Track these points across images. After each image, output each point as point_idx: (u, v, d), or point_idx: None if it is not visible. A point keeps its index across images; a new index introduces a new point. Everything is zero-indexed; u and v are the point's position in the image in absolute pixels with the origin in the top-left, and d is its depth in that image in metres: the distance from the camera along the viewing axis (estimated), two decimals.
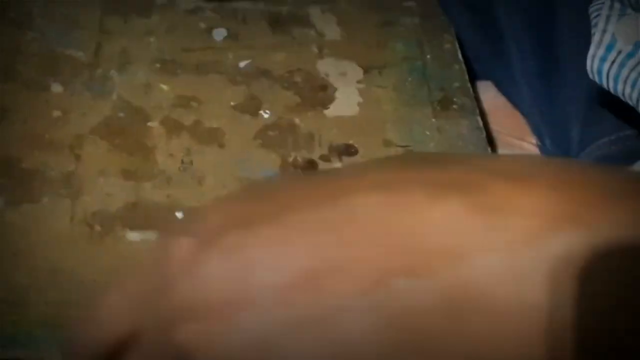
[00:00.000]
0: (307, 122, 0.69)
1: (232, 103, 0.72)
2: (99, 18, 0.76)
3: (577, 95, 0.68)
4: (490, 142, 0.73)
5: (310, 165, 0.65)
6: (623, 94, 0.54)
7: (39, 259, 0.60)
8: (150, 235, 0.62)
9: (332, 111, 0.71)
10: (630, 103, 0.54)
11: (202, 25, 0.77)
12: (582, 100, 0.68)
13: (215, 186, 0.66)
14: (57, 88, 0.71)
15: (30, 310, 0.57)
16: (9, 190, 0.63)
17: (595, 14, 0.56)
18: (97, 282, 0.59)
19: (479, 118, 0.71)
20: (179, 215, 0.63)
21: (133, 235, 0.62)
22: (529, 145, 0.77)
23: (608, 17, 0.55)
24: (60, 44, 0.74)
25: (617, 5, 0.54)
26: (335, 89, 0.73)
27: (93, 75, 0.72)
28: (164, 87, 0.72)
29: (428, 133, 0.69)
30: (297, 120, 0.70)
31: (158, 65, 0.73)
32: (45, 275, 0.59)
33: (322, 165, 0.66)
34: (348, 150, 0.67)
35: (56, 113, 0.69)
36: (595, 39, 0.55)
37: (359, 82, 0.74)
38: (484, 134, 0.69)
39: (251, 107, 0.71)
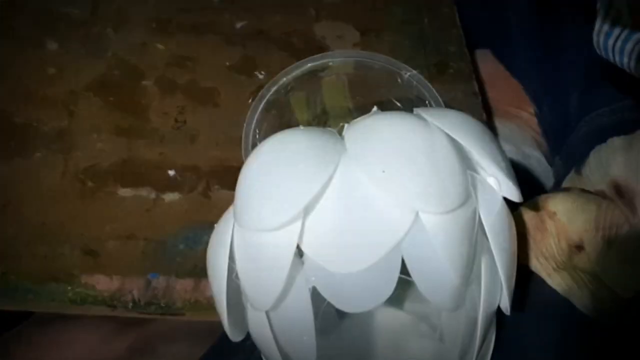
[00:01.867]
0: (302, 84, 0.67)
1: (227, 63, 0.70)
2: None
3: (577, 61, 0.67)
4: (487, 109, 0.72)
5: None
6: (629, 67, 0.54)
7: (29, 213, 0.59)
8: (142, 192, 0.61)
9: (327, 73, 0.69)
10: (637, 76, 0.54)
11: None
12: (582, 67, 0.67)
13: (208, 145, 0.65)
14: (52, 45, 0.69)
15: (19, 263, 0.56)
16: (1, 144, 0.63)
17: None
18: (85, 237, 0.58)
19: (475, 83, 0.69)
20: (171, 173, 0.62)
21: (124, 192, 0.61)
22: (527, 114, 0.76)
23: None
24: (57, 1, 0.72)
25: None
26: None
27: (89, 34, 0.70)
28: (160, 46, 0.70)
29: None
30: (293, 83, 0.68)
31: (154, 24, 0.71)
32: (34, 228, 0.58)
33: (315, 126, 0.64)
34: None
35: (51, 70, 0.68)
36: (601, 14, 0.55)
37: (355, 44, 0.73)
38: (480, 100, 0.67)
39: (247, 68, 0.69)
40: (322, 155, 0.38)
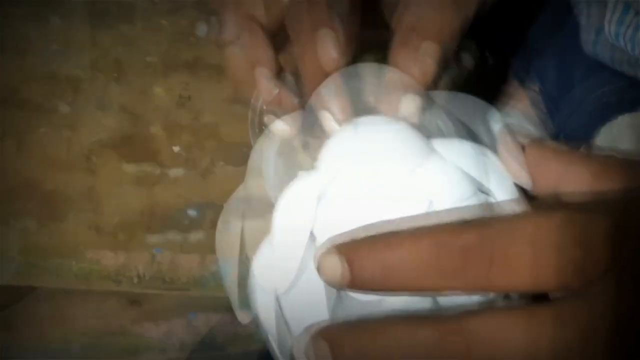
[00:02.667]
0: None
1: (223, 96, 0.72)
2: (89, 32, 0.77)
3: (552, 38, 0.66)
4: None
5: (306, 144, 0.67)
6: (624, 71, 0.53)
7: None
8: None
9: None
10: None
11: (184, 23, 0.77)
12: (557, 43, 0.65)
13: (220, 179, 0.69)
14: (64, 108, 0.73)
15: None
16: (33, 212, 0.68)
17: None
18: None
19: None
20: (191, 213, 0.68)
21: (153, 239, 0.67)
22: (530, 91, 0.76)
23: (589, 2, 0.54)
24: (60, 64, 0.75)
25: None
26: None
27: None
28: (159, 90, 0.73)
29: None
30: None
31: (150, 70, 0.74)
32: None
33: (313, 143, 0.68)
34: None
35: (67, 132, 0.73)
36: (583, 24, 0.55)
37: None
38: None
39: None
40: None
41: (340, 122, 0.41)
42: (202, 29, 0.77)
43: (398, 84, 0.41)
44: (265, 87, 0.44)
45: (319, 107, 0.42)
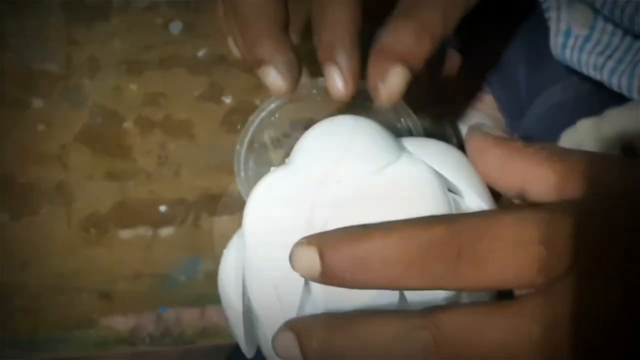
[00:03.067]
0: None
1: (196, 93, 0.74)
2: (64, 28, 0.77)
3: (521, 41, 0.67)
4: None
5: (278, 142, 0.68)
6: (591, 75, 0.54)
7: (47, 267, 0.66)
8: (140, 231, 0.67)
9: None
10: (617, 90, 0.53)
11: (159, 20, 0.78)
12: (526, 46, 0.66)
13: (191, 176, 0.69)
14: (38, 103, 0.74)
15: (45, 315, 0.63)
16: (9, 205, 0.68)
17: (545, 4, 0.56)
18: (98, 281, 0.65)
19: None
20: (162, 208, 0.68)
21: (124, 233, 0.67)
22: (482, 92, 0.77)
23: (558, 7, 0.54)
24: (35, 59, 0.76)
25: None
26: None
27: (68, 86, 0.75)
28: (133, 87, 0.74)
29: None
30: (257, 101, 0.71)
31: (124, 66, 0.75)
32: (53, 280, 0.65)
33: (286, 141, 0.68)
34: (309, 125, 0.69)
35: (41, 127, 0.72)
36: (553, 28, 0.53)
37: None
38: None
39: (213, 94, 0.73)
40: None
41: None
42: (176, 26, 0.78)
43: (390, 53, 0.41)
44: (277, 85, 0.42)
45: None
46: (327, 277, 0.32)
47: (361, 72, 0.42)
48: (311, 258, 0.32)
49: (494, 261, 0.31)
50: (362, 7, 0.42)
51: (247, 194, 0.41)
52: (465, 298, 0.37)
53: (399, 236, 0.31)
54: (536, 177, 0.36)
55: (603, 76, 0.52)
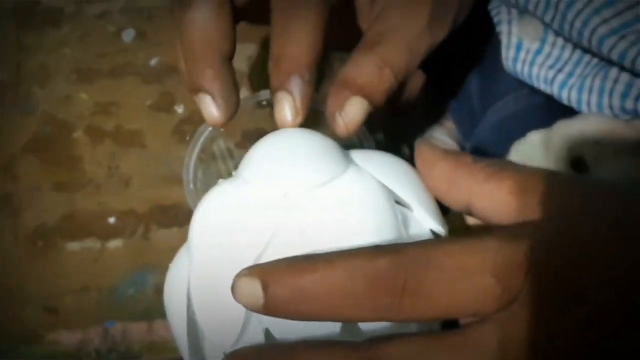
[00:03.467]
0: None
1: (148, 103, 0.72)
2: (15, 35, 0.76)
3: (474, 54, 0.66)
4: None
5: (228, 152, 0.67)
6: (541, 89, 0.53)
7: None
8: (88, 243, 0.66)
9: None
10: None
11: (111, 28, 0.77)
12: (480, 59, 0.66)
13: (142, 187, 0.68)
14: None
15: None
16: None
17: (496, 18, 0.56)
18: (43, 295, 0.63)
19: None
20: (111, 220, 0.66)
21: (72, 246, 0.65)
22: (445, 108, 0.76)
23: (510, 21, 0.53)
24: None
25: (514, 11, 0.53)
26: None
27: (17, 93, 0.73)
28: (84, 96, 0.73)
29: None
30: None
31: (75, 75, 0.74)
32: None
33: (237, 152, 0.68)
34: (261, 136, 0.68)
35: None
36: (504, 42, 0.53)
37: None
38: None
39: (166, 104, 0.72)
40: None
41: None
42: (129, 35, 0.76)
43: (351, 84, 0.41)
44: (212, 115, 0.42)
45: None
46: (270, 309, 0.31)
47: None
48: (254, 290, 0.31)
49: (440, 293, 0.31)
50: (325, 36, 0.41)
51: (196, 206, 0.40)
52: (412, 326, 0.37)
53: (344, 268, 0.31)
54: (483, 194, 0.36)
55: (553, 90, 0.51)
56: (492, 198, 0.35)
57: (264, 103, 0.53)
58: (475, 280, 0.30)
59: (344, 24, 0.46)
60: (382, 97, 0.41)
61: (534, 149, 0.50)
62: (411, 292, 0.30)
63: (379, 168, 0.39)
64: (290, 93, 0.40)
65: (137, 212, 0.67)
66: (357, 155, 0.41)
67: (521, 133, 0.52)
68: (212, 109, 0.42)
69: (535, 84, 0.53)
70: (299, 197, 0.37)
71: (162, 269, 0.41)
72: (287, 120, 0.40)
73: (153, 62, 0.75)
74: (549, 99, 0.53)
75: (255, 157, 0.40)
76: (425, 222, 0.39)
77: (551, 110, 0.53)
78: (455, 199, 0.37)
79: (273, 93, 0.41)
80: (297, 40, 0.40)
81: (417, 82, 0.68)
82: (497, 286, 0.30)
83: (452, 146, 0.45)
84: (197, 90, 0.42)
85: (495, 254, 0.31)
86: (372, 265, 0.31)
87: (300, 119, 0.41)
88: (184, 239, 0.41)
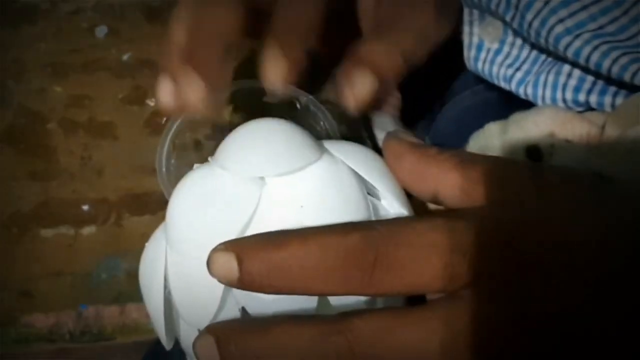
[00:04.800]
0: None
1: (120, 96, 0.72)
2: None
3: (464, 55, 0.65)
4: None
5: (200, 143, 0.66)
6: (501, 86, 0.50)
7: None
8: (62, 230, 0.66)
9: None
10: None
11: (85, 25, 0.76)
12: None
13: (114, 176, 0.68)
14: None
15: None
16: None
17: None
18: (18, 279, 0.62)
19: None
20: (85, 208, 0.66)
21: (46, 232, 0.65)
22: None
23: (471, 22, 0.54)
24: None
25: (475, 12, 0.53)
26: None
27: None
28: (57, 89, 0.73)
29: None
30: None
31: (49, 69, 0.73)
32: None
33: (207, 144, 0.67)
34: (232, 127, 0.67)
35: None
36: (465, 42, 0.51)
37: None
38: None
39: (137, 97, 0.72)
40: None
41: None
42: (101, 31, 0.76)
43: (361, 61, 0.39)
44: (194, 95, 0.37)
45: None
46: (245, 283, 0.30)
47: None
48: (229, 264, 0.30)
49: (408, 268, 0.30)
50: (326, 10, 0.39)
51: (169, 193, 0.39)
52: (379, 302, 0.35)
53: (317, 244, 0.30)
54: (448, 183, 0.35)
55: (512, 86, 0.49)
56: (456, 187, 0.34)
57: (238, 94, 0.52)
58: (441, 257, 0.30)
59: (341, 34, 0.43)
60: (391, 78, 0.40)
61: (490, 139, 0.48)
62: (381, 267, 0.30)
63: (350, 157, 0.38)
64: (283, 48, 0.37)
65: (110, 200, 0.67)
66: (329, 145, 0.39)
67: (478, 125, 0.47)
68: (196, 91, 0.38)
69: (495, 82, 0.51)
70: (273, 184, 0.36)
71: (134, 254, 0.42)
72: (275, 74, 0.38)
73: (125, 57, 0.75)
74: (506, 93, 0.51)
75: (232, 144, 0.38)
76: (393, 209, 0.38)
77: (507, 103, 0.50)
78: (422, 189, 0.36)
79: (265, 47, 0.38)
80: (298, 10, 0.38)
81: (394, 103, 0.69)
82: (460, 264, 0.30)
83: (417, 139, 0.45)
84: (190, 63, 0.37)
85: (457, 233, 0.30)
86: (344, 241, 0.30)
87: (288, 73, 0.38)
88: (155, 226, 0.36)
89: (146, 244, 0.38)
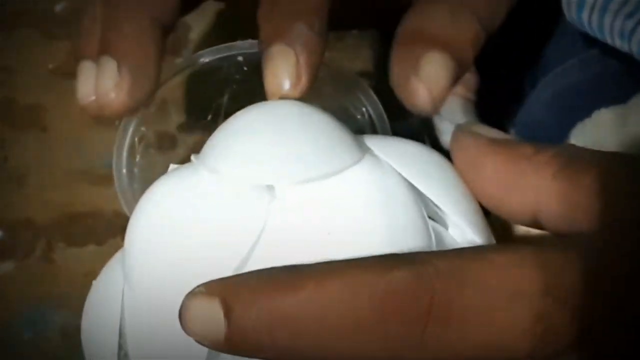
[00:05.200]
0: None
1: (50, 65, 0.66)
2: None
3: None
4: None
5: (169, 140, 0.57)
6: (617, 46, 0.51)
7: None
8: None
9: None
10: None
11: None
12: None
13: (42, 187, 0.62)
14: None
15: None
16: None
17: None
18: None
19: None
20: None
21: None
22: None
23: None
24: None
25: None
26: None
27: None
28: None
29: None
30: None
31: None
32: None
33: (180, 137, 0.58)
34: (229, 113, 0.62)
35: None
36: None
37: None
38: None
39: (75, 68, 0.66)
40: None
41: None
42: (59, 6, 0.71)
43: (423, 36, 0.39)
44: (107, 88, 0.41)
45: None
46: (235, 343, 0.29)
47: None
48: (211, 315, 0.29)
49: (480, 321, 0.29)
50: None
51: (131, 208, 0.38)
52: None
53: (343, 284, 0.29)
54: (553, 195, 0.34)
55: (632, 47, 0.48)
56: (568, 200, 0.34)
57: (239, 58, 0.50)
58: (534, 306, 0.29)
59: None
60: (469, 50, 0.40)
61: (603, 132, 0.49)
62: (438, 319, 0.28)
63: (402, 159, 0.38)
64: (292, 46, 0.38)
65: (36, 222, 0.60)
66: (371, 141, 0.38)
67: (587, 110, 0.51)
68: (109, 81, 0.40)
69: (608, 40, 0.50)
70: (289, 197, 0.35)
71: (72, 302, 0.40)
72: (283, 86, 0.38)
73: (58, 7, 0.70)
74: (629, 63, 0.51)
75: (227, 138, 0.37)
76: (465, 237, 0.38)
77: (629, 80, 0.51)
78: (515, 207, 0.36)
79: (263, 47, 0.38)
80: None
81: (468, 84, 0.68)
82: (563, 316, 0.29)
83: (501, 133, 0.43)
84: (100, 51, 0.40)
85: (561, 272, 0.29)
86: (383, 280, 0.29)
87: (303, 87, 0.38)
88: (103, 261, 0.38)
89: (94, 283, 0.39)
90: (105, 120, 0.45)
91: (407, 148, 0.40)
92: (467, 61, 0.40)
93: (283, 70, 0.38)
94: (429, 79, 0.39)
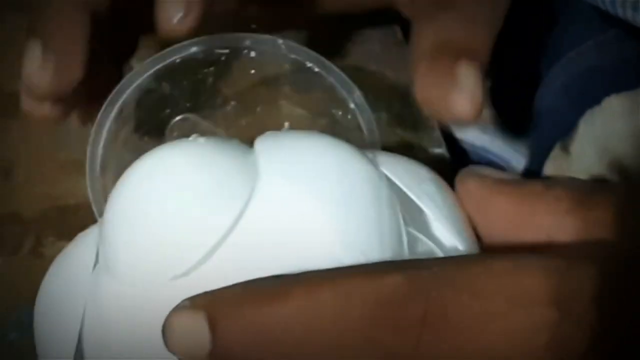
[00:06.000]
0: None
1: None
2: None
3: None
4: None
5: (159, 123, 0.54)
6: (627, 18, 0.50)
7: None
8: None
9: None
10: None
11: None
12: None
13: (29, 179, 0.61)
14: None
15: None
16: None
17: None
18: None
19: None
20: None
21: None
22: None
23: None
24: None
25: None
26: None
27: None
28: None
29: None
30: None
31: None
32: None
33: (177, 125, 0.57)
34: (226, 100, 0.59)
35: None
36: None
37: None
38: None
39: None
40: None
41: None
42: None
43: (448, 46, 0.40)
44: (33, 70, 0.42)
45: None
46: (221, 356, 0.29)
47: None
48: (196, 328, 0.29)
49: (478, 330, 0.28)
50: None
51: (101, 208, 0.38)
52: None
53: (333, 292, 0.29)
54: (565, 230, 0.34)
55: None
56: (583, 234, 0.34)
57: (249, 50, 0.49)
58: (538, 314, 0.28)
59: None
60: (488, 54, 0.40)
61: (611, 119, 0.48)
62: (434, 326, 0.28)
63: (398, 174, 0.39)
64: None
65: (23, 216, 0.59)
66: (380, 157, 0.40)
67: (598, 97, 0.50)
68: (34, 62, 0.41)
69: (620, 11, 0.49)
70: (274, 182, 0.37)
71: None
72: (172, 20, 0.40)
73: None
74: (636, 43, 0.51)
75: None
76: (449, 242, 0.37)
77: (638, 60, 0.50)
78: (529, 246, 0.36)
79: None
80: None
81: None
82: (570, 325, 0.29)
83: (509, 174, 0.43)
84: (27, 34, 0.41)
85: (566, 279, 0.29)
86: (375, 286, 0.28)
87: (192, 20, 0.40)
88: None
89: (56, 259, 0.40)
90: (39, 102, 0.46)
91: (405, 165, 0.41)
92: (487, 64, 0.40)
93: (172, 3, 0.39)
94: (468, 89, 0.39)
